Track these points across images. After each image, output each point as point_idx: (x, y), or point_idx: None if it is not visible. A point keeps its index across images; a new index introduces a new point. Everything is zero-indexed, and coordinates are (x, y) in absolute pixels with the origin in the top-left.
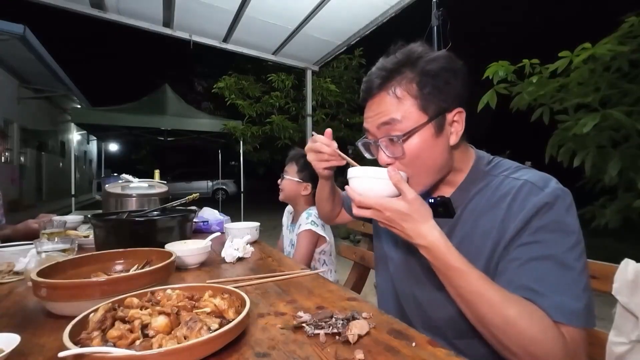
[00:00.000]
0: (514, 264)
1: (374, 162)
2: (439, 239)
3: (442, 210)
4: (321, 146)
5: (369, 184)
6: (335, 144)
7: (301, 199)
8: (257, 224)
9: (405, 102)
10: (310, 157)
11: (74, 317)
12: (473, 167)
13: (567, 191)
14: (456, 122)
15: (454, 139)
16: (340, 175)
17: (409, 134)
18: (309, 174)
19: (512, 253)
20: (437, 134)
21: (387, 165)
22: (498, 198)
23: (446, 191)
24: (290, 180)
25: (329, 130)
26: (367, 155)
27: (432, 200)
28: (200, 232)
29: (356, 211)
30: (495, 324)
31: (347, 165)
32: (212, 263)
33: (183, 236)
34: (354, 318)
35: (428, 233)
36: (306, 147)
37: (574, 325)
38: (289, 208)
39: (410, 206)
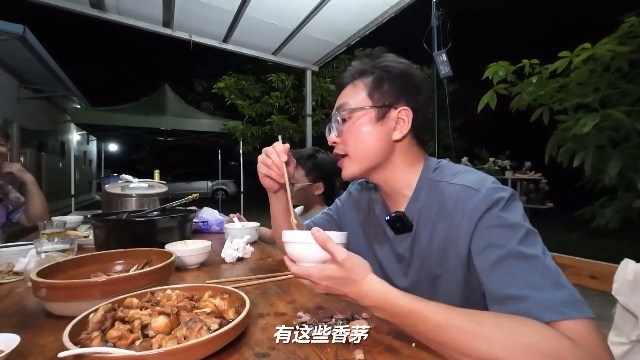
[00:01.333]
0: (482, 276)
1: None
2: (382, 290)
3: (400, 225)
4: (272, 152)
5: (299, 250)
6: (285, 157)
7: (314, 198)
8: (257, 224)
9: (358, 90)
10: (259, 157)
11: (73, 318)
12: (421, 176)
13: (505, 188)
14: (401, 119)
15: (397, 135)
16: (339, 175)
17: (351, 112)
18: (319, 173)
19: (476, 265)
20: (377, 120)
21: (333, 143)
22: (442, 207)
23: (401, 203)
24: (300, 186)
25: (287, 145)
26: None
27: (388, 218)
28: (200, 232)
29: (298, 280)
30: (483, 350)
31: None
32: (212, 263)
33: (183, 236)
34: (354, 318)
35: (370, 289)
36: (265, 148)
37: (569, 317)
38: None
39: (343, 268)
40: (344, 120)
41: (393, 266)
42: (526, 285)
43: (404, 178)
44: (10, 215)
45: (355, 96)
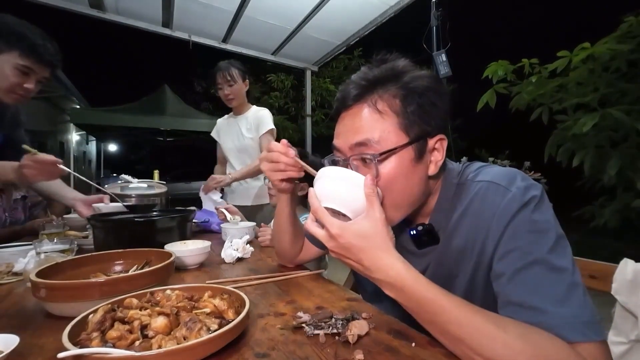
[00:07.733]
0: (502, 280)
1: None
2: (405, 270)
3: (427, 239)
4: (278, 156)
5: (334, 187)
6: (292, 152)
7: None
8: (253, 223)
9: (385, 118)
10: (264, 166)
11: (73, 318)
12: (444, 183)
13: (536, 185)
14: (437, 150)
15: (432, 169)
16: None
17: (386, 155)
18: (305, 175)
19: (495, 268)
20: (416, 160)
21: None
22: (466, 206)
23: (422, 214)
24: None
25: (284, 141)
26: None
27: (414, 232)
28: (200, 232)
29: (308, 226)
30: (504, 357)
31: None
32: (211, 263)
33: (183, 236)
34: (353, 318)
35: (391, 265)
36: (260, 157)
37: (591, 339)
38: None
39: (374, 227)
40: (368, 160)
41: None
42: (549, 298)
43: (430, 198)
44: (30, 212)
45: (383, 128)
